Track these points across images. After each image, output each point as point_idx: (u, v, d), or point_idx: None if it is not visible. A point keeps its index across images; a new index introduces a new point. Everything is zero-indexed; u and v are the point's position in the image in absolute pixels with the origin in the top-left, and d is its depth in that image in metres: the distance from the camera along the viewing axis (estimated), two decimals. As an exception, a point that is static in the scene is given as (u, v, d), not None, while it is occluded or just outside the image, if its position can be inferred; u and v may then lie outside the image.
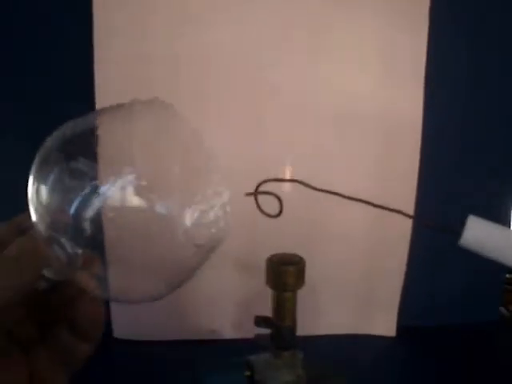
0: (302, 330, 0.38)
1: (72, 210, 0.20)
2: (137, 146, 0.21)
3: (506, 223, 0.62)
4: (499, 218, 0.62)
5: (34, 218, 0.21)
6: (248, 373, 0.37)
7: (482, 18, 0.56)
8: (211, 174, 0.24)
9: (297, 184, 0.29)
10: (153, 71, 0.53)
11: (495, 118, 0.59)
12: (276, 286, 0.36)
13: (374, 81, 0.55)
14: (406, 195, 0.58)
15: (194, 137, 0.24)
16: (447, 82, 0.57)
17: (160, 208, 0.21)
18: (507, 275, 0.67)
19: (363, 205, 0.61)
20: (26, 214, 0.21)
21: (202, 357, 0.51)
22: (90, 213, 0.20)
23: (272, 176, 0.57)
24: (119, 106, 0.23)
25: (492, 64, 0.58)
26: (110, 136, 0.22)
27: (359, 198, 0.59)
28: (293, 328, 0.37)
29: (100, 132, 0.22)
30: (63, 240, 0.20)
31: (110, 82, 0.52)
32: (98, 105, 0.52)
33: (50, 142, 0.23)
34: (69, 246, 0.21)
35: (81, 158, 0.21)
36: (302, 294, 0.37)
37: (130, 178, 0.21)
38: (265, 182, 0.29)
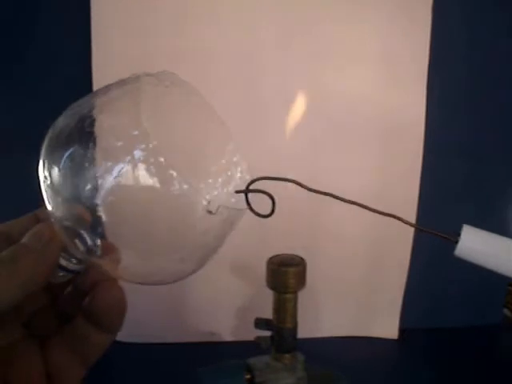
0: (302, 333, 0.38)
1: (87, 197, 0.19)
2: (148, 120, 0.20)
3: (507, 223, 0.62)
4: (501, 219, 0.61)
5: (48, 206, 0.20)
6: (248, 375, 0.37)
7: (484, 18, 0.56)
8: (226, 144, 0.23)
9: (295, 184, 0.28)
10: (152, 70, 0.53)
11: (498, 119, 0.59)
12: (277, 287, 0.36)
13: (375, 82, 0.55)
14: (408, 196, 0.57)
15: (205, 108, 0.23)
16: (450, 82, 0.57)
17: (180, 184, 0.20)
18: (510, 277, 0.66)
19: (365, 204, 0.61)
20: (44, 205, 0.20)
21: (202, 359, 0.51)
22: (107, 197, 0.19)
23: (272, 174, 0.57)
24: (124, 81, 0.22)
25: (495, 65, 0.57)
26: (118, 112, 0.21)
27: (360, 198, 0.59)
28: (294, 330, 0.37)
29: (108, 108, 0.21)
30: (81, 230, 0.20)
31: (109, 80, 0.52)
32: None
33: (62, 121, 0.22)
34: (87, 236, 0.20)
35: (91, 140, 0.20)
36: (302, 296, 0.37)
37: (145, 154, 0.19)
38: (258, 179, 0.27)
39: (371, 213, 0.57)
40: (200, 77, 0.53)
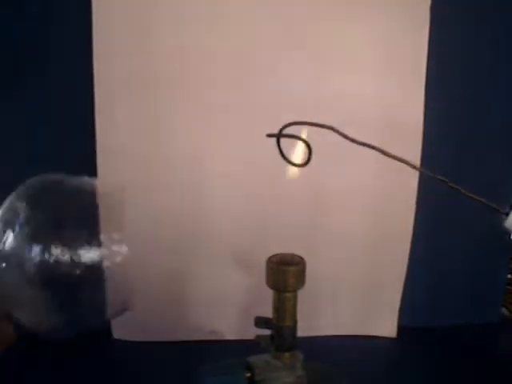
0: (302, 331, 0.38)
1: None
2: None
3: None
4: (501, 220, 0.61)
5: None
6: (248, 374, 0.37)
7: (483, 18, 0.56)
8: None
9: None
10: (152, 70, 0.53)
11: (496, 118, 0.59)
12: (276, 286, 0.36)
13: (374, 82, 0.55)
14: (406, 194, 0.58)
15: None
16: (448, 82, 0.57)
17: None
18: (509, 276, 0.67)
19: (363, 205, 0.61)
20: None
21: (202, 358, 0.51)
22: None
23: (272, 178, 0.57)
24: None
25: (493, 64, 0.57)
26: None
27: (359, 196, 0.59)
28: (293, 329, 0.37)
29: None
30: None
31: (110, 80, 0.52)
32: (98, 104, 0.52)
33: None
34: None
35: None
36: (302, 294, 0.37)
37: None
38: (291, 124, 0.26)
39: (370, 213, 0.58)
40: (199, 77, 0.54)
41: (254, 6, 0.53)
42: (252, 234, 0.56)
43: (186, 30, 0.52)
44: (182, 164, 0.56)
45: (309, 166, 0.56)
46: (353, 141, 0.27)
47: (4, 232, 0.22)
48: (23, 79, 0.54)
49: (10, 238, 0.22)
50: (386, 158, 0.57)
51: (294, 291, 0.36)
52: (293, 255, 0.37)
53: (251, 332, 0.38)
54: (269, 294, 0.37)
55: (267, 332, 0.38)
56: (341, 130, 0.56)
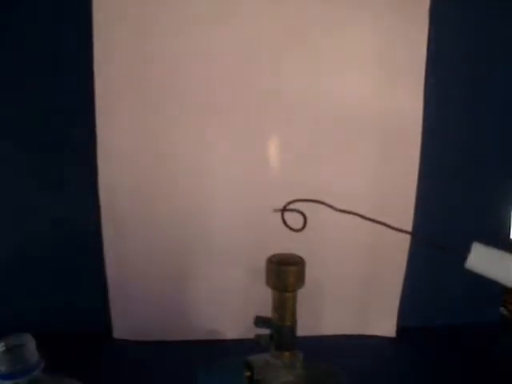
0: (301, 331, 0.38)
1: None
2: None
3: (504, 224, 0.62)
4: (498, 219, 0.62)
5: None
6: (248, 373, 0.37)
7: (481, 19, 0.56)
8: None
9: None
10: (152, 72, 0.53)
11: (495, 120, 0.59)
12: (276, 286, 0.36)
13: (373, 84, 0.55)
14: (405, 197, 0.58)
15: None
16: (447, 84, 0.57)
17: None
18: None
19: (364, 206, 0.61)
20: None
21: (202, 357, 0.51)
22: None
23: (272, 178, 0.57)
24: None
25: (492, 66, 0.58)
26: None
27: (358, 199, 0.60)
28: (293, 328, 0.37)
29: None
30: None
31: (110, 82, 0.52)
32: (98, 105, 0.53)
33: None
34: None
35: None
36: (302, 294, 0.37)
37: None
38: (291, 202, 0.36)
39: (370, 213, 0.58)
40: (199, 78, 0.54)
41: (254, 7, 0.53)
42: (252, 234, 0.56)
43: (186, 32, 0.52)
44: (182, 164, 0.56)
45: (309, 166, 0.57)
46: (340, 211, 0.36)
47: None
48: (24, 79, 0.54)
49: None
50: (385, 160, 0.58)
51: (294, 291, 0.37)
52: (292, 255, 0.37)
53: (251, 331, 0.38)
54: (268, 294, 0.37)
55: (267, 331, 0.38)
56: (341, 131, 0.57)
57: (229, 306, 0.60)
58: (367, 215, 0.58)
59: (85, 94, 0.52)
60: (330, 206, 0.35)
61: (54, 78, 0.54)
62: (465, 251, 0.30)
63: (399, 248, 0.59)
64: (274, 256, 0.37)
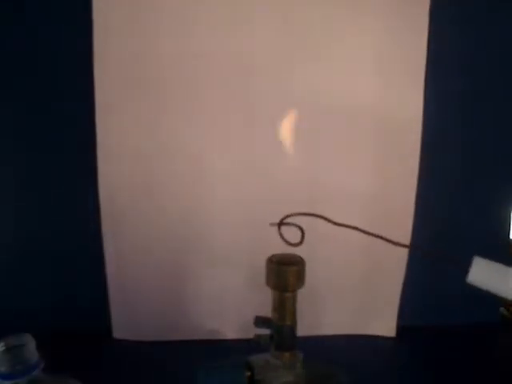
0: (302, 331, 0.38)
1: None
2: None
3: (504, 222, 0.62)
4: (498, 218, 0.62)
5: None
6: (248, 373, 0.37)
7: (480, 21, 0.56)
8: None
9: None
10: (152, 71, 0.53)
11: (495, 119, 0.59)
12: (276, 286, 0.36)
13: (373, 84, 0.55)
14: (406, 196, 0.58)
15: None
16: (447, 84, 0.57)
17: None
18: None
19: (363, 205, 0.61)
20: None
21: (202, 357, 0.51)
22: None
23: (272, 177, 0.57)
24: None
25: (491, 66, 0.58)
26: None
27: (358, 197, 0.60)
28: (293, 328, 0.37)
29: None
30: None
31: (110, 81, 0.52)
32: (98, 104, 0.53)
33: None
34: None
35: None
36: (302, 294, 0.37)
37: None
38: (288, 216, 0.35)
39: (370, 213, 0.58)
40: (199, 78, 0.54)
41: (253, 7, 0.53)
42: (253, 234, 0.56)
43: (185, 31, 0.52)
44: (182, 164, 0.56)
45: (310, 167, 0.57)
46: (339, 225, 0.37)
47: None
48: (24, 79, 0.54)
49: None
50: (385, 161, 0.58)
51: (294, 291, 0.37)
52: (293, 255, 0.37)
53: (252, 331, 0.38)
54: (269, 294, 0.37)
55: (267, 331, 0.38)
56: (340, 130, 0.57)
57: (229, 306, 0.60)
58: (367, 215, 0.58)
59: (84, 94, 0.52)
60: (330, 221, 0.34)
61: (53, 78, 0.54)
62: (466, 263, 0.29)
63: (399, 249, 0.59)
64: (274, 256, 0.37)
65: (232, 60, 0.53)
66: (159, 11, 0.52)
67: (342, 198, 0.57)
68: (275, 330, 0.37)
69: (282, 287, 0.36)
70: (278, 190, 0.56)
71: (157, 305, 0.59)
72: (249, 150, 0.56)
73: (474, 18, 0.56)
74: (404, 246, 0.33)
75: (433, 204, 0.59)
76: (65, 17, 0.52)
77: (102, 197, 0.55)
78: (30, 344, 0.31)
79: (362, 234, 0.58)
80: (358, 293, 0.61)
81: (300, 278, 0.36)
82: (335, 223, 0.34)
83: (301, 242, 0.35)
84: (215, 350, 0.57)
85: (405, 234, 0.59)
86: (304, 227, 0.57)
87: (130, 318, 0.59)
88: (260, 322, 0.38)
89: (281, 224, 0.35)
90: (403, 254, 0.60)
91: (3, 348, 0.29)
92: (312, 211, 0.58)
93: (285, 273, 0.36)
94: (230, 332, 0.60)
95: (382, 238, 0.33)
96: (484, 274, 0.30)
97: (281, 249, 0.38)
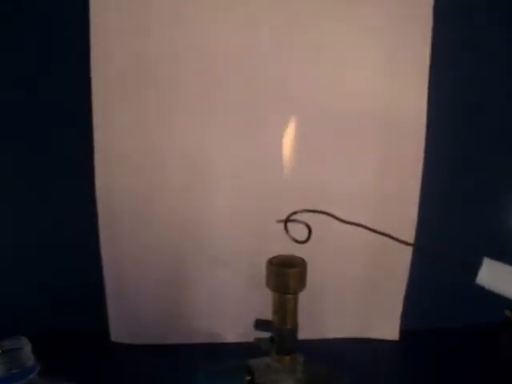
0: (303, 334, 0.37)
1: None
2: None
3: (507, 222, 0.61)
4: (501, 218, 0.61)
5: None
6: (248, 377, 0.37)
7: (485, 18, 0.56)
8: None
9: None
10: (151, 71, 0.53)
11: (499, 118, 0.59)
12: (277, 288, 0.36)
13: (377, 82, 0.55)
14: (409, 195, 0.57)
15: None
16: (451, 82, 0.57)
17: None
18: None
19: (365, 207, 0.61)
20: None
21: (202, 361, 0.51)
22: None
23: (273, 178, 0.57)
24: None
25: (496, 64, 0.57)
26: None
27: (361, 197, 0.59)
28: (294, 331, 0.37)
29: None
30: None
31: (108, 82, 0.52)
32: (96, 105, 0.52)
33: None
34: None
35: None
36: (303, 297, 0.37)
37: None
38: (295, 213, 0.35)
39: (372, 215, 0.58)
40: (198, 78, 0.53)
41: (253, 5, 0.52)
42: (252, 235, 0.56)
43: (184, 30, 0.52)
44: (181, 165, 0.55)
45: (311, 167, 0.56)
46: (346, 222, 0.36)
47: None
48: (24, 80, 0.54)
49: None
50: (387, 161, 0.58)
51: (295, 293, 0.36)
52: (294, 257, 0.37)
53: (252, 335, 0.37)
54: (269, 297, 0.37)
55: (267, 335, 0.37)
56: (343, 127, 0.56)
57: (229, 309, 0.59)
58: (370, 217, 0.57)
59: (81, 95, 0.52)
60: (337, 218, 0.34)
61: (49, 78, 0.54)
62: (469, 264, 0.29)
63: (402, 250, 0.59)
64: (274, 258, 0.37)
65: (233, 60, 0.53)
66: (158, 11, 0.52)
67: (344, 198, 0.56)
68: (276, 333, 0.37)
69: (282, 289, 0.35)
70: (280, 191, 0.55)
71: (156, 308, 0.58)
72: (250, 151, 0.55)
73: (478, 14, 0.56)
74: (410, 244, 0.33)
75: (436, 203, 0.59)
76: (62, 16, 0.52)
77: (99, 199, 0.55)
78: (26, 347, 0.30)
79: (364, 237, 0.58)
80: (361, 296, 0.61)
81: (301, 280, 0.36)
82: (342, 220, 0.33)
83: (308, 239, 0.34)
84: (215, 353, 0.57)
85: (407, 235, 0.58)
86: (303, 233, 0.57)
87: (129, 321, 0.59)
88: (260, 324, 0.37)
89: (287, 221, 0.35)
90: (406, 258, 0.59)
91: None
92: (314, 215, 0.58)
93: (285, 275, 0.35)
94: (230, 335, 0.60)
95: (388, 235, 0.33)
96: (494, 275, 0.29)
97: (282, 251, 0.37)
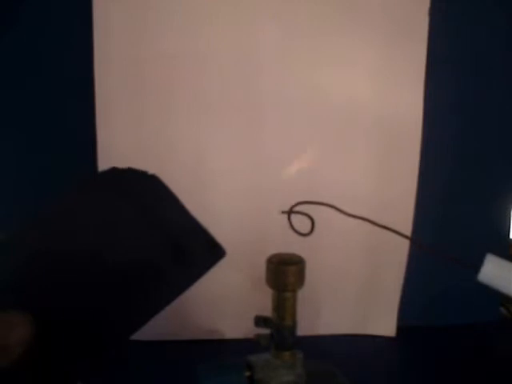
0: (301, 330, 0.38)
1: None
2: None
3: (504, 224, 0.62)
4: (499, 220, 0.62)
5: None
6: (248, 373, 0.37)
7: (481, 22, 0.56)
8: None
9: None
10: (152, 72, 0.53)
11: (495, 121, 0.59)
12: (276, 285, 0.36)
13: (373, 85, 0.55)
14: (406, 196, 0.58)
15: None
16: (447, 85, 0.57)
17: None
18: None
19: (364, 205, 0.61)
20: None
21: (202, 357, 0.51)
22: None
23: (272, 178, 0.57)
24: None
25: (492, 67, 0.58)
26: None
27: (358, 198, 0.60)
28: (293, 328, 0.37)
29: None
30: None
31: (110, 82, 0.52)
32: (98, 105, 0.52)
33: None
34: None
35: None
36: (302, 294, 0.37)
37: None
38: (299, 204, 0.35)
39: (370, 212, 0.58)
40: (199, 78, 0.54)
41: (252, 8, 0.53)
42: (252, 234, 0.56)
43: (184, 32, 0.52)
44: (181, 165, 0.56)
45: (311, 167, 0.57)
46: (349, 215, 0.36)
47: None
48: (23, 79, 0.54)
49: None
50: (386, 161, 0.58)
51: (294, 291, 0.37)
52: (292, 255, 0.37)
53: (251, 331, 0.38)
54: (269, 294, 0.37)
55: (267, 331, 0.38)
56: (340, 130, 0.57)
57: (229, 306, 0.60)
58: (367, 214, 0.58)
59: (85, 94, 0.52)
60: (340, 211, 0.34)
61: (52, 77, 0.54)
62: (466, 262, 0.29)
63: (399, 247, 0.59)
64: (273, 256, 0.37)
65: (234, 60, 0.53)
66: (160, 11, 0.52)
67: (341, 197, 0.57)
68: (275, 330, 0.37)
69: (281, 287, 0.36)
70: (279, 190, 0.56)
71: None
72: (250, 151, 0.56)
73: (475, 16, 0.56)
74: (409, 238, 0.33)
75: (433, 204, 0.59)
76: (65, 16, 0.52)
77: None
78: None
79: (361, 234, 0.59)
80: (358, 292, 0.61)
81: (300, 277, 0.36)
82: (345, 213, 0.34)
83: (311, 232, 0.36)
84: (215, 349, 0.57)
85: (405, 231, 0.58)
86: (303, 227, 0.58)
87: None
88: (260, 321, 0.38)
89: (291, 212, 0.35)
90: (403, 254, 0.60)
91: None
92: (313, 213, 0.58)
93: (284, 272, 0.36)
94: (230, 332, 0.60)
95: (388, 228, 0.33)
96: (496, 272, 0.29)
97: (281, 249, 0.38)
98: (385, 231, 0.58)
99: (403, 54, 0.55)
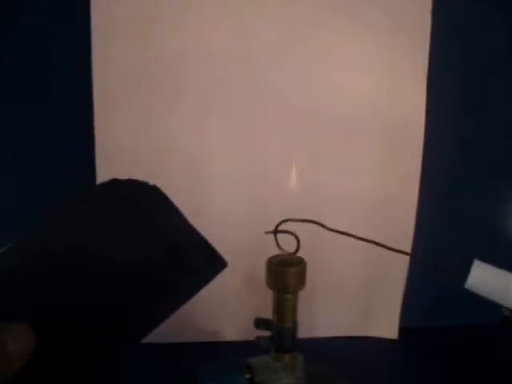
0: (302, 332, 0.38)
1: None
2: None
3: (507, 223, 0.62)
4: (501, 219, 0.61)
5: None
6: (248, 375, 0.37)
7: (483, 22, 0.56)
8: None
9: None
10: (152, 71, 0.53)
11: (497, 121, 0.59)
12: (276, 287, 0.36)
13: (375, 83, 0.55)
14: (407, 197, 0.58)
15: None
16: (449, 85, 0.57)
17: None
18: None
19: (364, 207, 0.61)
20: None
21: (202, 359, 0.51)
22: None
23: (272, 178, 0.57)
24: None
25: (494, 67, 0.57)
26: None
27: (359, 199, 0.59)
28: (293, 330, 0.37)
29: None
30: None
31: (109, 81, 0.52)
32: (97, 105, 0.52)
33: None
34: None
35: None
36: (302, 295, 0.37)
37: None
38: (284, 221, 0.35)
39: (371, 214, 0.58)
40: (199, 78, 0.54)
41: (253, 7, 0.53)
42: (252, 235, 0.56)
43: (185, 31, 0.52)
44: (181, 165, 0.55)
45: (311, 166, 0.57)
46: (333, 231, 0.37)
47: None
48: (22, 80, 0.54)
49: None
50: (386, 160, 0.58)
51: (294, 292, 0.36)
52: (293, 256, 0.37)
53: (252, 333, 0.38)
54: (269, 295, 0.37)
55: (267, 333, 0.37)
56: (342, 131, 0.57)
57: (229, 308, 0.59)
58: (369, 216, 0.58)
59: (83, 93, 0.52)
60: (325, 227, 0.36)
61: (51, 77, 0.54)
62: (464, 272, 0.28)
63: (401, 249, 0.59)
64: (274, 257, 0.37)
65: (233, 60, 0.53)
66: (158, 11, 0.52)
67: (343, 200, 0.57)
68: (275, 332, 0.37)
69: (282, 288, 0.36)
70: (279, 192, 0.55)
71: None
72: (249, 152, 0.56)
73: (477, 15, 0.56)
74: (405, 253, 0.33)
75: (435, 206, 0.59)
76: (63, 15, 0.52)
77: None
78: None
79: (363, 235, 0.58)
80: (360, 294, 0.61)
81: (301, 279, 0.36)
82: (329, 229, 0.33)
83: (296, 251, 0.35)
84: (215, 352, 0.57)
85: (406, 233, 0.58)
86: (305, 229, 0.57)
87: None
88: (260, 323, 0.38)
89: (276, 232, 0.35)
90: (405, 256, 0.59)
91: None
92: (313, 214, 0.57)
93: (285, 274, 0.35)
94: (230, 334, 0.60)
95: (377, 244, 0.33)
96: (484, 279, 0.28)
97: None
98: (386, 233, 0.58)
99: (405, 55, 0.54)
